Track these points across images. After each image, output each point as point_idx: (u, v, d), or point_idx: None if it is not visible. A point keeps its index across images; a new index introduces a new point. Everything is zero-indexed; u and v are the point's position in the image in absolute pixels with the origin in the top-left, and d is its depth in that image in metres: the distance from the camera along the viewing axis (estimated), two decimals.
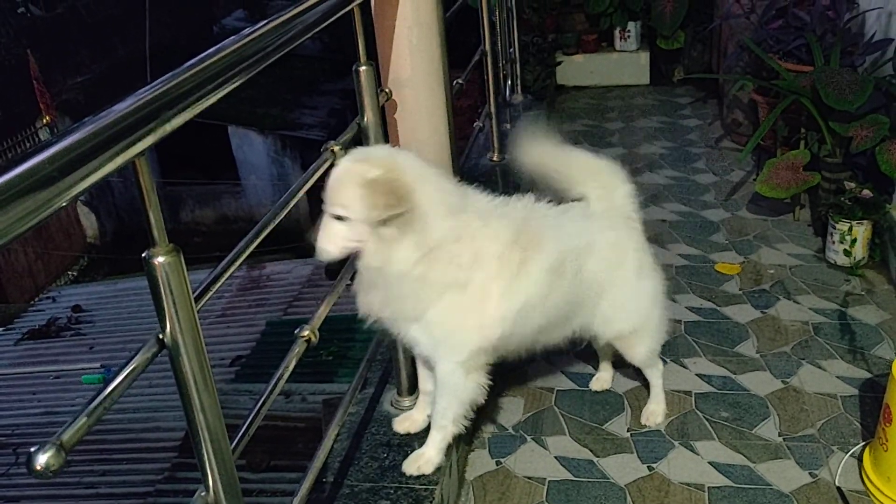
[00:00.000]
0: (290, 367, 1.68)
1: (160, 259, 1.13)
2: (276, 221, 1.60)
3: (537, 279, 1.95)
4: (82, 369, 6.47)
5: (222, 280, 1.34)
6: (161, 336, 1.18)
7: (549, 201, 2.12)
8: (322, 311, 1.86)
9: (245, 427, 1.50)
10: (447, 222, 1.80)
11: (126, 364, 1.16)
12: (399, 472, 2.08)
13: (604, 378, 2.62)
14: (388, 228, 1.73)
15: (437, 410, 2.03)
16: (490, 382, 2.01)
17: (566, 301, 2.06)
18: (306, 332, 1.76)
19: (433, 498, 2.00)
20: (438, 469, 2.04)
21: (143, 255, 1.14)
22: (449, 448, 2.09)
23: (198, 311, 1.21)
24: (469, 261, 1.85)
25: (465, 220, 1.84)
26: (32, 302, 8.68)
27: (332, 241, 1.77)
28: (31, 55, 11.45)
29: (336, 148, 1.88)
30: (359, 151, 1.83)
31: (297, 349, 1.73)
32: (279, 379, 1.64)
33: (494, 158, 3.99)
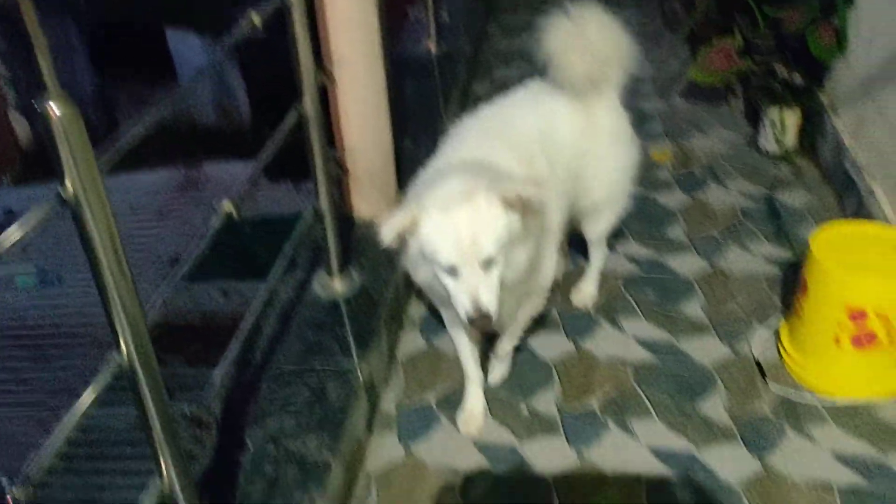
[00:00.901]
0: (207, 239, 1.64)
1: (56, 109, 1.07)
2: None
3: (547, 173, 1.91)
4: (16, 273, 6.31)
5: (130, 135, 1.28)
6: (61, 191, 1.13)
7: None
8: (245, 186, 1.81)
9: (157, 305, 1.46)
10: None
11: (26, 218, 1.11)
12: (326, 354, 2.08)
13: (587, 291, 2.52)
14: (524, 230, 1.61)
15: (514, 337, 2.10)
16: None
17: (568, 177, 2.04)
18: (226, 205, 1.72)
19: (361, 377, 2.02)
20: (367, 348, 2.04)
21: (34, 102, 1.07)
22: (380, 329, 2.10)
23: (100, 168, 1.15)
24: (537, 193, 1.64)
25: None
26: None
27: (486, 293, 1.55)
28: None
29: (255, 17, 1.80)
30: (450, 196, 1.57)
31: (216, 222, 1.69)
32: (196, 255, 1.60)
33: (431, 48, 3.90)
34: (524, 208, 1.57)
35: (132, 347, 1.26)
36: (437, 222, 1.53)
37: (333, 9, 2.21)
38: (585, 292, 2.49)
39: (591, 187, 2.15)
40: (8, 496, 1.06)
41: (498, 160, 1.77)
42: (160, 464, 1.39)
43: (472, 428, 2.07)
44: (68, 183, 1.12)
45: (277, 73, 2.35)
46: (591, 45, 2.01)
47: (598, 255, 2.45)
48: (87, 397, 1.24)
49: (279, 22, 1.94)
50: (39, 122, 1.09)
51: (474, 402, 2.11)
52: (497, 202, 1.54)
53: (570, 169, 2.05)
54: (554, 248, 1.93)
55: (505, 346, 2.13)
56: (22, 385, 4.72)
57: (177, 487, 1.41)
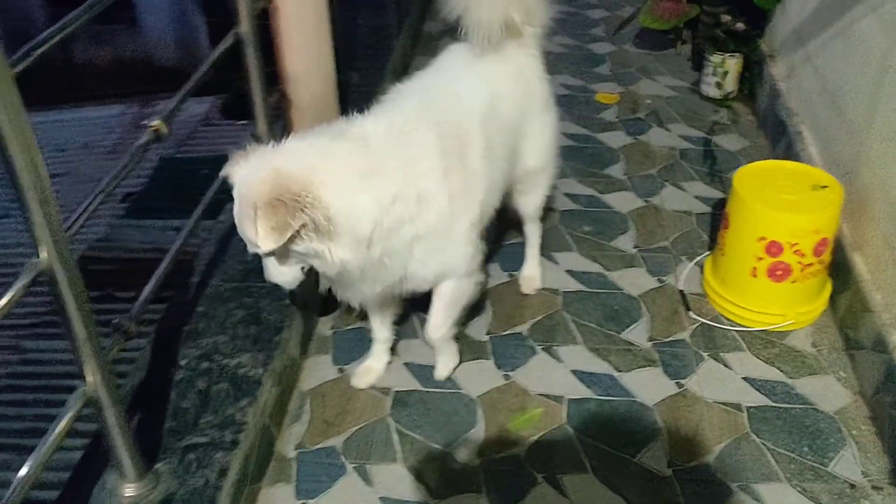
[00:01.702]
0: (136, 158, 1.66)
1: None
2: None
3: (482, 169, 1.81)
4: None
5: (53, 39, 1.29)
6: None
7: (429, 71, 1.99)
8: (175, 103, 1.82)
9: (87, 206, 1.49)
10: (369, 195, 1.56)
11: None
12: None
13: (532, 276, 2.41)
14: (314, 243, 1.52)
15: (436, 320, 1.94)
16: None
17: (504, 158, 1.95)
18: (156, 123, 1.74)
19: (295, 294, 2.06)
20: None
21: None
22: None
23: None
24: (417, 209, 1.65)
25: (387, 174, 1.60)
26: None
27: (278, 276, 1.62)
28: None
29: None
30: (237, 170, 1.57)
31: (146, 139, 1.71)
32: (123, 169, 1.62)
33: None
34: (287, 222, 1.46)
35: (52, 248, 1.29)
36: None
37: None
38: (532, 276, 2.38)
39: (524, 155, 2.07)
40: None
41: (411, 155, 1.67)
42: (83, 368, 1.43)
43: (361, 381, 2.06)
44: None
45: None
46: None
47: (535, 233, 2.35)
48: (10, 298, 1.27)
49: None
50: None
51: (373, 360, 2.10)
52: (254, 210, 1.46)
53: (509, 142, 1.97)
54: (467, 234, 1.81)
55: (430, 333, 1.97)
56: None
57: (101, 391, 1.45)
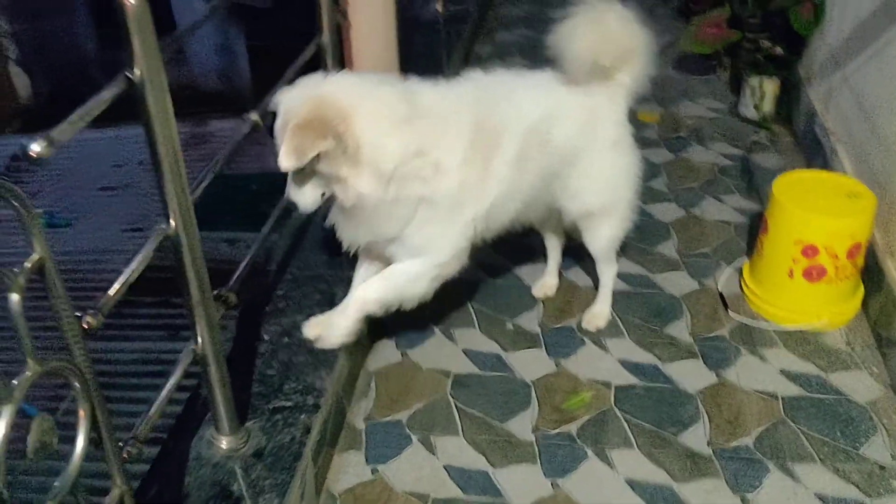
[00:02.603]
0: (234, 143, 1.86)
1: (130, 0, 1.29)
2: None
3: (505, 174, 1.88)
4: None
5: (188, 35, 1.49)
6: (129, 74, 1.35)
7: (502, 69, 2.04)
8: (266, 101, 2.02)
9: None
10: (398, 139, 1.70)
11: (95, 97, 1.33)
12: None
13: (549, 284, 2.50)
14: (339, 167, 1.66)
15: (370, 284, 1.96)
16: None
17: (538, 177, 1.98)
18: (254, 117, 1.94)
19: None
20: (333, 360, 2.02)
21: None
22: None
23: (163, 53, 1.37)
24: (432, 173, 1.77)
25: (418, 131, 1.73)
26: None
27: (297, 196, 1.76)
28: None
29: None
30: (287, 93, 1.72)
31: (246, 129, 1.91)
32: (227, 153, 1.83)
33: (439, 9, 4.11)
34: (311, 142, 1.61)
35: (178, 218, 1.49)
36: None
37: None
38: (595, 312, 2.38)
39: (581, 191, 2.09)
40: (84, 323, 1.29)
41: (445, 128, 1.79)
42: (195, 328, 1.62)
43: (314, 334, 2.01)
44: (136, 67, 1.34)
45: (277, 41, 2.53)
46: (608, 34, 1.96)
47: (606, 272, 2.34)
48: (140, 262, 1.47)
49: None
50: (117, 12, 1.30)
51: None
52: (288, 126, 1.61)
53: (553, 167, 2.00)
54: (462, 225, 1.88)
55: (357, 293, 1.97)
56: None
57: (209, 350, 1.64)
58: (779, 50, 3.33)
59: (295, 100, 1.69)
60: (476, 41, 4.26)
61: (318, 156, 1.64)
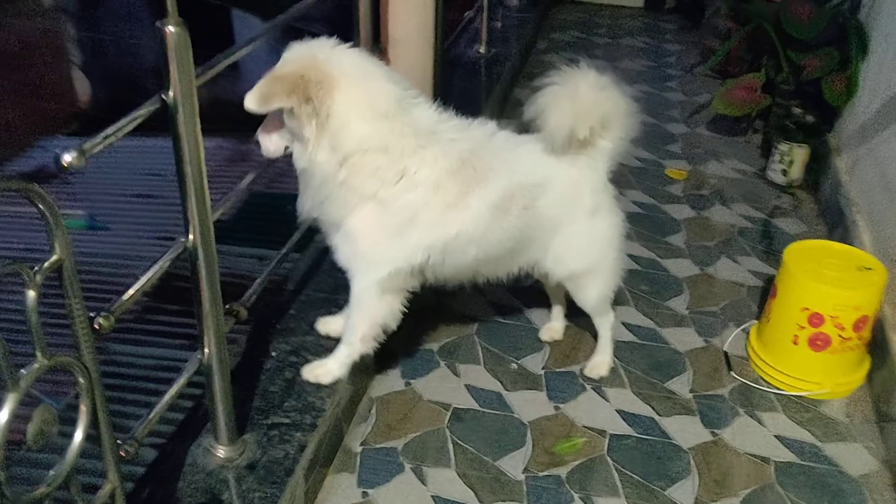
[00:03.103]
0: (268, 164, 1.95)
1: (171, 28, 1.39)
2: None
3: (477, 214, 1.89)
4: (66, 214, 6.70)
5: (223, 62, 1.60)
6: (164, 96, 1.45)
7: (511, 128, 2.06)
8: None
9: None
10: (368, 127, 1.75)
11: (129, 115, 1.42)
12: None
13: (555, 328, 2.52)
14: (304, 127, 1.73)
15: (347, 325, 2.04)
16: (405, 309, 2.03)
17: (510, 237, 1.99)
18: None
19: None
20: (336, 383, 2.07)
21: (157, 23, 1.39)
22: None
23: (197, 80, 1.47)
24: (393, 177, 1.81)
25: (394, 131, 1.78)
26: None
27: (265, 140, 1.83)
28: None
29: None
30: (295, 45, 1.78)
31: None
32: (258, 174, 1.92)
33: (481, 51, 4.22)
34: (279, 93, 1.69)
35: (197, 232, 1.57)
36: None
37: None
38: (597, 362, 2.40)
39: (563, 258, 2.12)
40: (95, 324, 1.37)
41: (427, 146, 1.83)
42: (202, 338, 1.69)
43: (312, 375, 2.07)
44: (171, 89, 1.43)
45: None
46: (583, 105, 1.94)
47: (602, 324, 2.36)
48: (161, 265, 1.56)
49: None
50: (157, 41, 1.40)
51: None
52: (273, 73, 1.70)
53: (526, 232, 2.01)
54: (396, 247, 1.89)
55: (346, 337, 2.06)
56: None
57: (214, 360, 1.71)
58: (810, 118, 3.37)
59: (295, 53, 1.76)
60: (515, 85, 4.35)
61: (291, 110, 1.71)
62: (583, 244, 2.12)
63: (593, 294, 2.24)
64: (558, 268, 2.14)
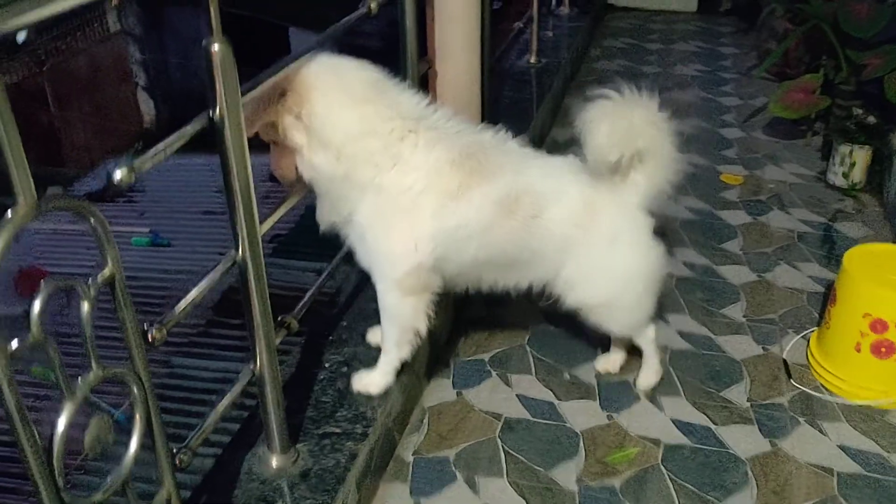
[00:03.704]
0: None
1: (215, 47, 1.43)
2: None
3: (479, 209, 1.88)
4: (132, 232, 6.93)
5: (268, 79, 1.64)
6: (211, 114, 1.49)
7: (524, 142, 2.06)
8: None
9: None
10: (350, 113, 1.78)
11: (178, 132, 1.46)
12: None
13: (612, 360, 2.39)
14: (295, 137, 1.79)
15: (382, 333, 2.07)
16: (432, 313, 2.02)
17: (513, 243, 1.96)
18: None
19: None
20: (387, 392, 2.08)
21: (203, 42, 1.43)
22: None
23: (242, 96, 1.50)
24: (388, 162, 1.82)
25: (377, 114, 1.80)
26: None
27: (277, 168, 1.87)
28: None
29: (373, 4, 2.16)
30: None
31: None
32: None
33: (531, 61, 4.22)
34: (281, 106, 1.75)
35: (246, 246, 1.60)
36: None
37: (441, 4, 2.55)
38: (643, 377, 2.33)
39: (576, 285, 2.05)
40: (149, 336, 1.41)
41: (427, 135, 1.86)
42: (254, 349, 1.73)
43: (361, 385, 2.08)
44: (217, 107, 1.47)
45: None
46: (630, 130, 1.89)
47: (641, 341, 2.27)
48: (212, 278, 1.60)
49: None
50: (202, 59, 1.44)
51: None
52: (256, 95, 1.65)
53: (530, 242, 1.97)
54: (402, 234, 1.89)
55: (382, 347, 2.09)
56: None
57: (266, 371, 1.74)
58: (871, 119, 3.27)
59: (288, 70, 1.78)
60: (566, 94, 4.34)
61: (273, 124, 1.78)
62: (597, 274, 2.04)
63: (613, 327, 2.19)
64: (570, 294, 2.08)
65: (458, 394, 2.35)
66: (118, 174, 1.29)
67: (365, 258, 1.98)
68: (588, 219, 1.97)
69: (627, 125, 1.89)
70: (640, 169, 1.97)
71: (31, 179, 1.06)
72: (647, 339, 2.26)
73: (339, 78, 1.81)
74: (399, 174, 1.84)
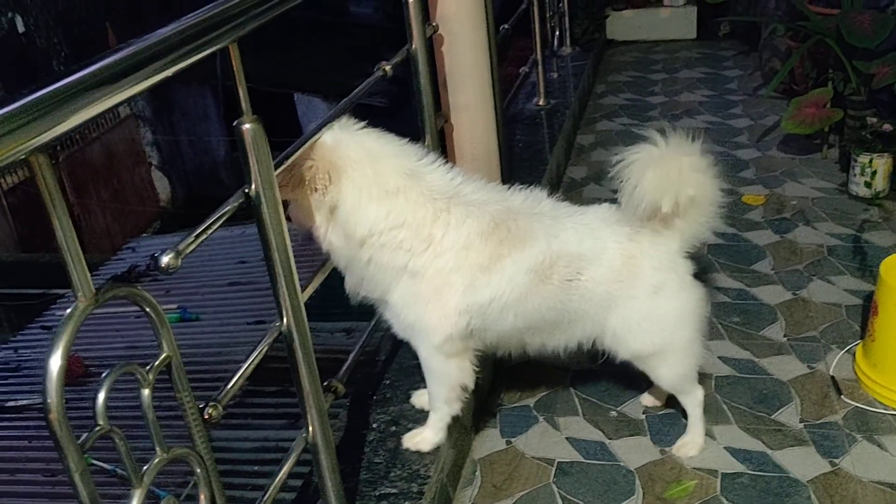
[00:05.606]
0: None
1: (247, 126, 1.47)
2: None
3: (512, 279, 1.85)
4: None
5: (298, 150, 1.67)
6: (247, 190, 1.52)
7: (560, 197, 2.03)
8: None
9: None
10: (380, 207, 1.76)
11: (217, 211, 1.50)
12: None
13: (658, 393, 2.35)
14: (318, 212, 1.77)
15: (429, 392, 2.06)
16: (477, 368, 2.01)
17: (552, 308, 1.93)
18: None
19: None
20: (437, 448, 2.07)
21: (234, 123, 1.47)
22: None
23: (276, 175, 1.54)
24: (420, 246, 1.81)
25: (409, 203, 1.78)
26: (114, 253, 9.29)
27: (297, 221, 1.83)
28: (109, 28, 12.03)
29: (387, 67, 2.21)
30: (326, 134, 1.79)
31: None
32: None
33: (540, 103, 4.27)
34: (288, 184, 1.72)
35: (290, 315, 1.62)
36: None
37: (452, 61, 2.60)
38: (685, 441, 2.21)
39: (624, 337, 2.01)
40: (205, 414, 1.43)
41: (456, 210, 1.83)
42: (307, 418, 1.73)
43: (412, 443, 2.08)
44: (253, 184, 1.51)
45: None
46: (677, 181, 1.87)
47: (688, 403, 2.17)
48: (256, 356, 1.61)
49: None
50: (236, 137, 1.48)
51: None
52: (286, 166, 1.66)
53: (571, 305, 1.94)
54: (439, 311, 1.86)
55: (430, 405, 2.08)
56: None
57: (319, 437, 1.75)
58: (887, 126, 3.27)
59: (316, 142, 1.76)
60: (577, 131, 4.38)
61: (305, 204, 1.77)
62: (645, 324, 1.99)
63: (667, 375, 2.11)
64: (620, 347, 2.04)
65: (508, 442, 2.34)
66: (165, 259, 1.32)
67: (401, 331, 1.98)
68: (629, 273, 1.93)
69: (677, 174, 1.86)
70: (684, 216, 1.95)
71: (88, 273, 1.10)
72: (696, 401, 2.16)
73: (374, 165, 1.77)
74: (432, 256, 1.82)
